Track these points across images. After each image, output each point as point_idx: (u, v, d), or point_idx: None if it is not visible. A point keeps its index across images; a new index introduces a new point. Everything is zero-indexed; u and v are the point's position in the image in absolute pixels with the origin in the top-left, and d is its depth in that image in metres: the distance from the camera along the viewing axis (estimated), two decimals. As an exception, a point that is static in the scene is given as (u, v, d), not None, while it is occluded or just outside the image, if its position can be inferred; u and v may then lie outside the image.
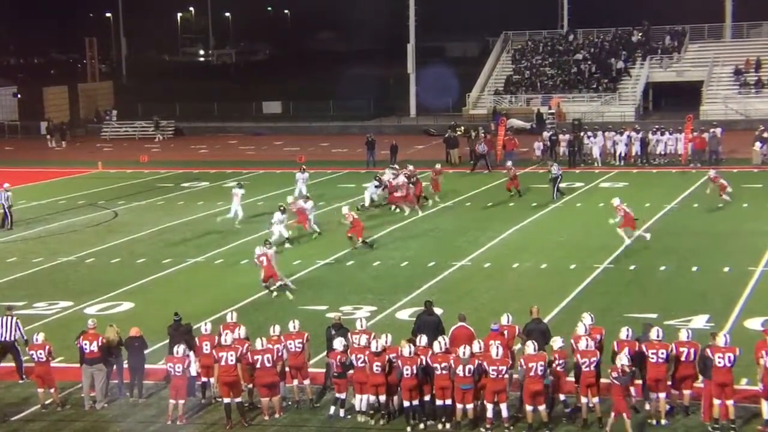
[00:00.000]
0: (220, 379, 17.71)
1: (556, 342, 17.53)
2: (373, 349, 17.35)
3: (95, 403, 18.55)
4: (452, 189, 40.25)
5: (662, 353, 17.02)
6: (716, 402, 16.58)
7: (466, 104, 69.71)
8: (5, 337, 20.33)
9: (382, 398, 17.41)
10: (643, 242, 30.17)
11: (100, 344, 18.55)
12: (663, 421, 16.97)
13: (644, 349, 17.11)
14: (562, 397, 17.45)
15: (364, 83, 78.65)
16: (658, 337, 17.21)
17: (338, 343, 17.85)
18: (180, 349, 17.95)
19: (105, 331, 18.97)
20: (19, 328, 20.55)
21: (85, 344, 18.53)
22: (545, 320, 19.84)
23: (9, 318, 20.56)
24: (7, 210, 35.91)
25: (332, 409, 17.79)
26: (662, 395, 17.02)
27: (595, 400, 17.04)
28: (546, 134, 51.20)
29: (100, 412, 18.35)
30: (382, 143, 50.54)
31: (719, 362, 16.56)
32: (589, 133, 49.19)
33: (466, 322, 18.79)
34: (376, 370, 17.27)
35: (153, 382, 19.24)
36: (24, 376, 20.15)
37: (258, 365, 17.65)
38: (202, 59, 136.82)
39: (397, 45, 76.16)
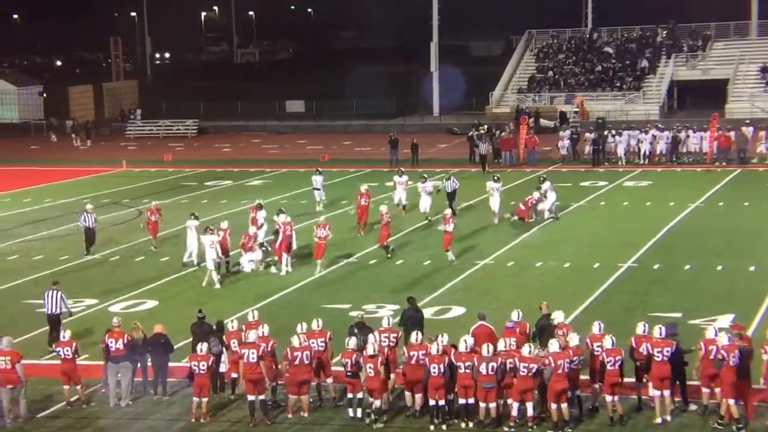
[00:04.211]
0: (245, 377, 17.78)
1: (573, 339, 17.44)
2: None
3: (120, 400, 18.67)
4: (473, 188, 40.15)
5: (667, 351, 16.93)
6: (731, 402, 16.49)
7: (490, 103, 69.60)
8: (53, 311, 21.40)
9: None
10: (667, 241, 29.96)
11: (125, 342, 18.69)
12: (666, 418, 16.91)
13: (650, 348, 17.03)
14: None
15: (387, 82, 78.65)
16: (661, 335, 17.12)
17: (352, 343, 17.88)
18: (203, 347, 18.03)
19: (130, 329, 19.11)
20: (65, 302, 21.64)
21: (111, 342, 18.67)
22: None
23: (54, 292, 21.62)
24: (88, 230, 31.21)
25: (350, 411, 17.73)
26: (667, 393, 16.95)
27: (616, 399, 17.01)
28: (564, 133, 50.99)
29: (124, 410, 18.48)
30: (405, 142, 50.55)
31: (732, 361, 16.48)
32: (614, 132, 49.00)
33: (486, 320, 18.79)
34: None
35: (177, 380, 19.32)
36: (51, 347, 20.66)
37: (296, 362, 17.69)
38: (225, 58, 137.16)
39: (421, 44, 76.00)
